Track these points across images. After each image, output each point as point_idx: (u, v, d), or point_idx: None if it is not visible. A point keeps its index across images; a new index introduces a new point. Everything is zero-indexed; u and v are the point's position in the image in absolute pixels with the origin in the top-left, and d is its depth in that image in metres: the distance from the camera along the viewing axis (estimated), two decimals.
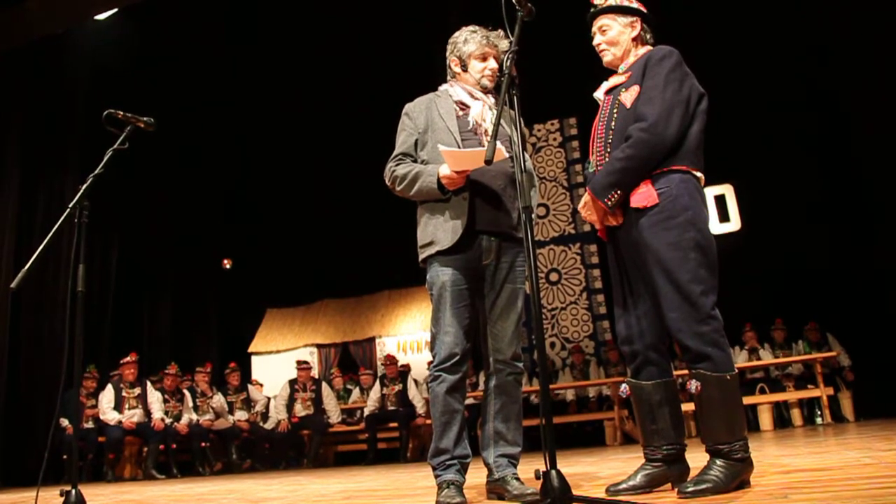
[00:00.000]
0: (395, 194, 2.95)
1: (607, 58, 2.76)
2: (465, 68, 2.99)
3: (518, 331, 2.83)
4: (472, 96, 2.94)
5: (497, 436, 2.77)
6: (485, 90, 2.95)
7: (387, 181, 2.93)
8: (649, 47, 2.71)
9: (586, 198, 2.62)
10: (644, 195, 2.47)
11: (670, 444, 2.54)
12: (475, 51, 2.95)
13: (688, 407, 4.20)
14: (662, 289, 2.42)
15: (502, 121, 2.80)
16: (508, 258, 2.83)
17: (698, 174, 2.53)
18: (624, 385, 2.68)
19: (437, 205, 2.82)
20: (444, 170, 2.69)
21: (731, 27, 8.84)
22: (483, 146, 2.77)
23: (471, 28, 2.99)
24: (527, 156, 2.71)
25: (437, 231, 2.79)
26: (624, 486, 2.53)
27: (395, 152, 2.94)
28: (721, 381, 2.36)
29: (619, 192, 2.50)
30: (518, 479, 2.70)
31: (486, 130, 2.86)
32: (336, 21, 9.25)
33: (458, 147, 2.79)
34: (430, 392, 2.81)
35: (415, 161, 2.92)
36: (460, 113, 2.91)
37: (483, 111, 2.90)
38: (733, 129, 8.48)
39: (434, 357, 2.77)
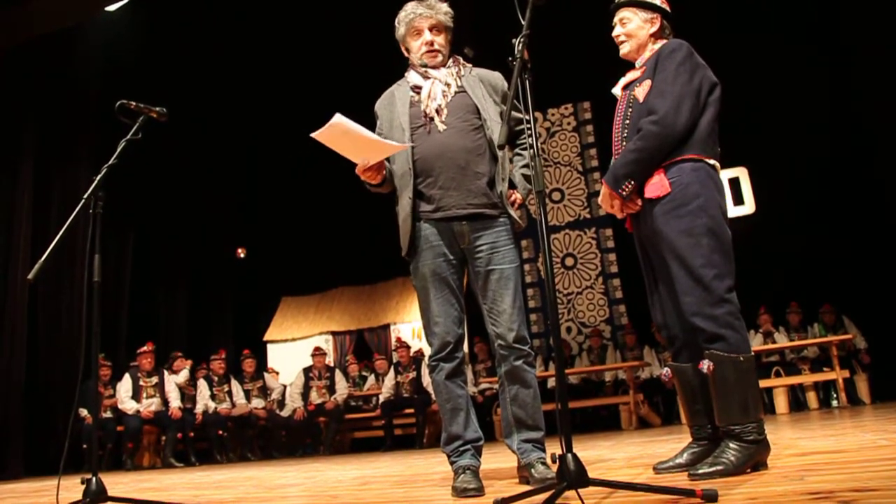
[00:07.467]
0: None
1: (624, 49, 2.82)
2: (409, 51, 2.94)
3: (517, 313, 2.69)
4: (424, 76, 2.85)
5: (518, 422, 2.70)
6: (423, 68, 2.86)
7: None
8: (665, 41, 2.73)
9: (603, 190, 2.69)
10: (657, 185, 2.55)
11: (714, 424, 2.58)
12: (407, 31, 2.90)
13: None
14: (676, 274, 2.49)
15: (495, 102, 2.79)
16: (487, 239, 2.71)
17: (711, 161, 2.57)
18: (666, 369, 2.79)
19: (398, 205, 2.83)
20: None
21: (747, 10, 8.74)
22: (436, 132, 2.75)
23: (404, 8, 2.92)
24: (495, 127, 2.71)
25: (400, 237, 2.82)
26: (670, 463, 2.64)
27: None
28: (735, 361, 2.38)
29: (632, 182, 2.57)
30: (544, 463, 2.62)
31: (438, 108, 2.77)
32: (348, 8, 9.21)
33: (410, 143, 2.75)
34: (432, 382, 2.82)
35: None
36: (416, 99, 2.83)
37: (433, 89, 2.80)
38: (748, 112, 8.41)
39: (431, 348, 2.77)
